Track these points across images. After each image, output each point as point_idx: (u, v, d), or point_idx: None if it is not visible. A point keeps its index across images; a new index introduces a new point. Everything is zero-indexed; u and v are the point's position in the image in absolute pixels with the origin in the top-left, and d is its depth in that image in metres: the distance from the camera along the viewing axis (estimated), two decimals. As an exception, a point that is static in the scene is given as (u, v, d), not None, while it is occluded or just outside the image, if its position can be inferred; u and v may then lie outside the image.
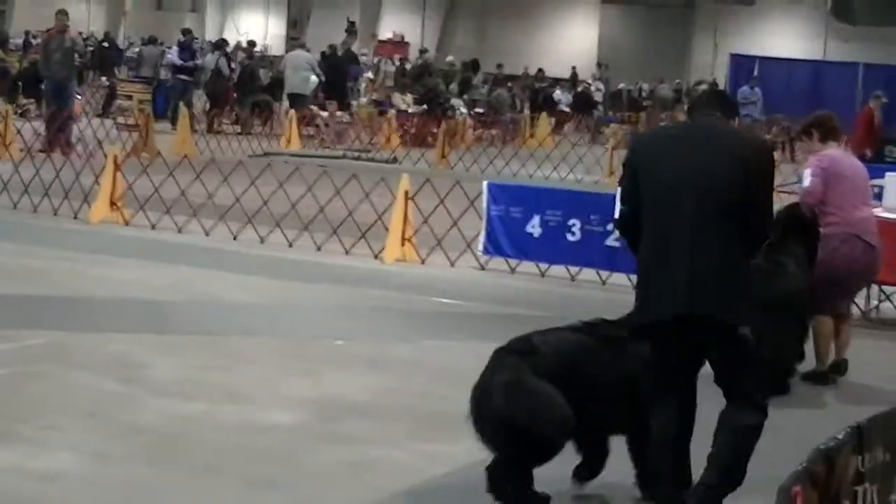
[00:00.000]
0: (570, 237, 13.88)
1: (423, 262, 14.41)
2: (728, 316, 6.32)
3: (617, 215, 6.71)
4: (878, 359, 11.06)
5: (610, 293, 13.47)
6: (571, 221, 13.86)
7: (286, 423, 8.06)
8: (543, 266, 14.08)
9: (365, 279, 13.30)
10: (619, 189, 6.70)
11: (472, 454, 7.63)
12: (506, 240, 14.12)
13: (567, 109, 39.81)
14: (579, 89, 41.85)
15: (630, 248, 6.81)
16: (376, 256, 14.41)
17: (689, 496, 6.44)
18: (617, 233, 13.03)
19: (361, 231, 14.70)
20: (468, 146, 28.99)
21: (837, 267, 9.78)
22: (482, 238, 14.19)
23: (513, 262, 14.20)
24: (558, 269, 13.99)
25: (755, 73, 39.11)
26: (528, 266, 14.13)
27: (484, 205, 14.19)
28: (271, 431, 7.86)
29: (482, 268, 14.31)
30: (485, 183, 14.55)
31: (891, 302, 12.67)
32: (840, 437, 5.25)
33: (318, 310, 11.83)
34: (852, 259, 9.85)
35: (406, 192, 14.47)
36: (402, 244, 14.47)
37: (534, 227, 14.00)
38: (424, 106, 31.79)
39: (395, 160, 26.48)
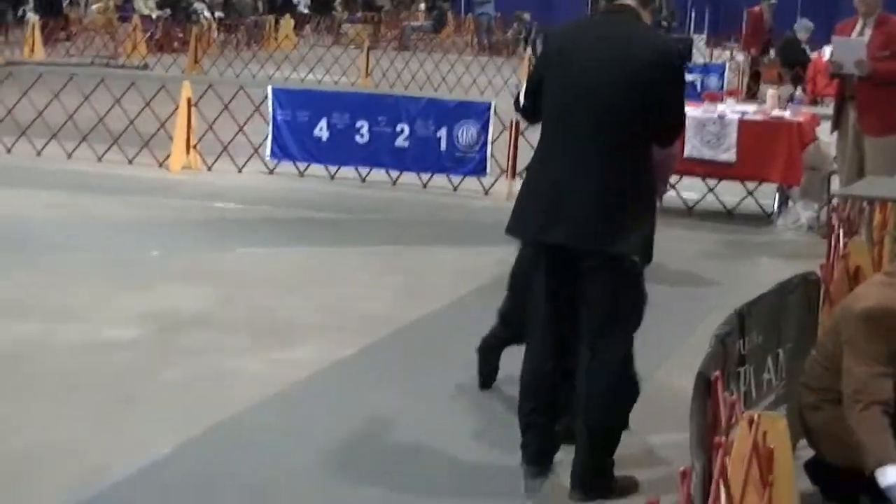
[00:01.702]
0: (358, 139, 13.89)
1: (209, 169, 14.21)
2: (614, 247, 5.56)
3: (522, 103, 5.95)
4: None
5: (400, 192, 13.61)
6: (360, 124, 13.87)
7: (129, 338, 7.89)
8: (332, 168, 14.06)
9: (153, 189, 13.05)
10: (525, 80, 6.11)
11: (321, 359, 7.71)
12: (293, 144, 14.02)
13: (306, 11, 39.48)
14: (319, -11, 41.52)
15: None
16: (161, 165, 14.15)
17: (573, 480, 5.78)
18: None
19: (144, 140, 14.38)
20: (222, 51, 28.55)
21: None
22: (269, 143, 14.06)
23: (301, 165, 14.14)
24: (347, 171, 14.00)
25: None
26: (316, 169, 14.09)
27: (269, 110, 14.05)
28: (116, 348, 7.69)
29: (270, 172, 14.21)
30: (269, 87, 14.38)
31: (675, 191, 13.08)
32: (726, 323, 5.51)
33: (120, 222, 11.50)
34: None
35: (189, 99, 14.21)
36: (188, 152, 14.23)
37: (321, 130, 13.95)
38: (168, 11, 31.19)
39: (146, 66, 25.96)
